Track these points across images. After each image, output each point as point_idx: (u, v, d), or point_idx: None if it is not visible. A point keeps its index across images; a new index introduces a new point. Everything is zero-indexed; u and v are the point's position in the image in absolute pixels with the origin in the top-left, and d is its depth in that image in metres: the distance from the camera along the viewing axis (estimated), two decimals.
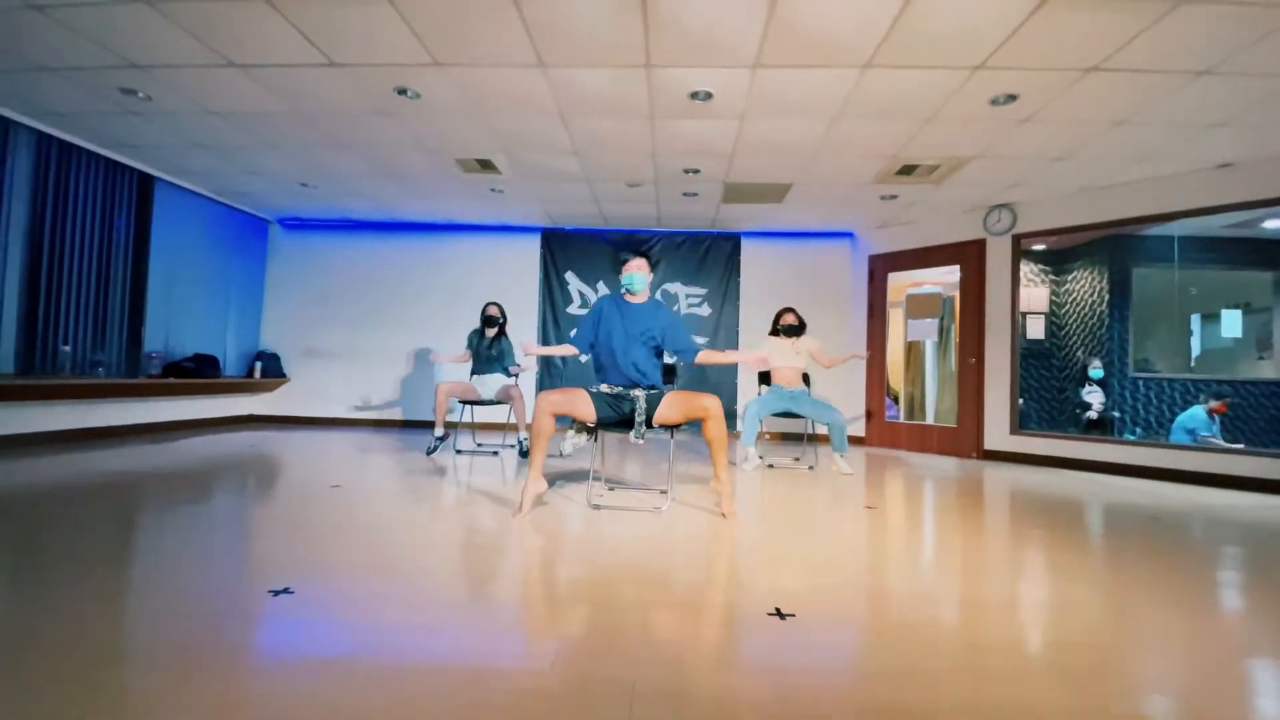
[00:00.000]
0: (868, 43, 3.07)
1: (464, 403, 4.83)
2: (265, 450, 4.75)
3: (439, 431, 4.60)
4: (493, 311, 4.93)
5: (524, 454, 4.60)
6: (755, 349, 4.68)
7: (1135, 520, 3.15)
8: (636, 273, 3.02)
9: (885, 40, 3.04)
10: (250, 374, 6.62)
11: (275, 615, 1.61)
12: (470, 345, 4.95)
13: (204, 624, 1.54)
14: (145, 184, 5.46)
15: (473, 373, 4.91)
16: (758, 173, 4.94)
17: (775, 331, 4.70)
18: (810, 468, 4.35)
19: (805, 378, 4.68)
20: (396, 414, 6.91)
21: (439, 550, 2.28)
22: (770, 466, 4.62)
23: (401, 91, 3.70)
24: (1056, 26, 2.89)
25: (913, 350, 7.12)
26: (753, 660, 1.46)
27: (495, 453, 4.96)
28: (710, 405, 2.82)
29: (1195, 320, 6.68)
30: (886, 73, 3.34)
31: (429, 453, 4.60)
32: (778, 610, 1.74)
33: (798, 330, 4.61)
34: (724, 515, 2.83)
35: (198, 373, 5.78)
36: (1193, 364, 6.61)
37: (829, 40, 3.05)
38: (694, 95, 3.63)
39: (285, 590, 1.77)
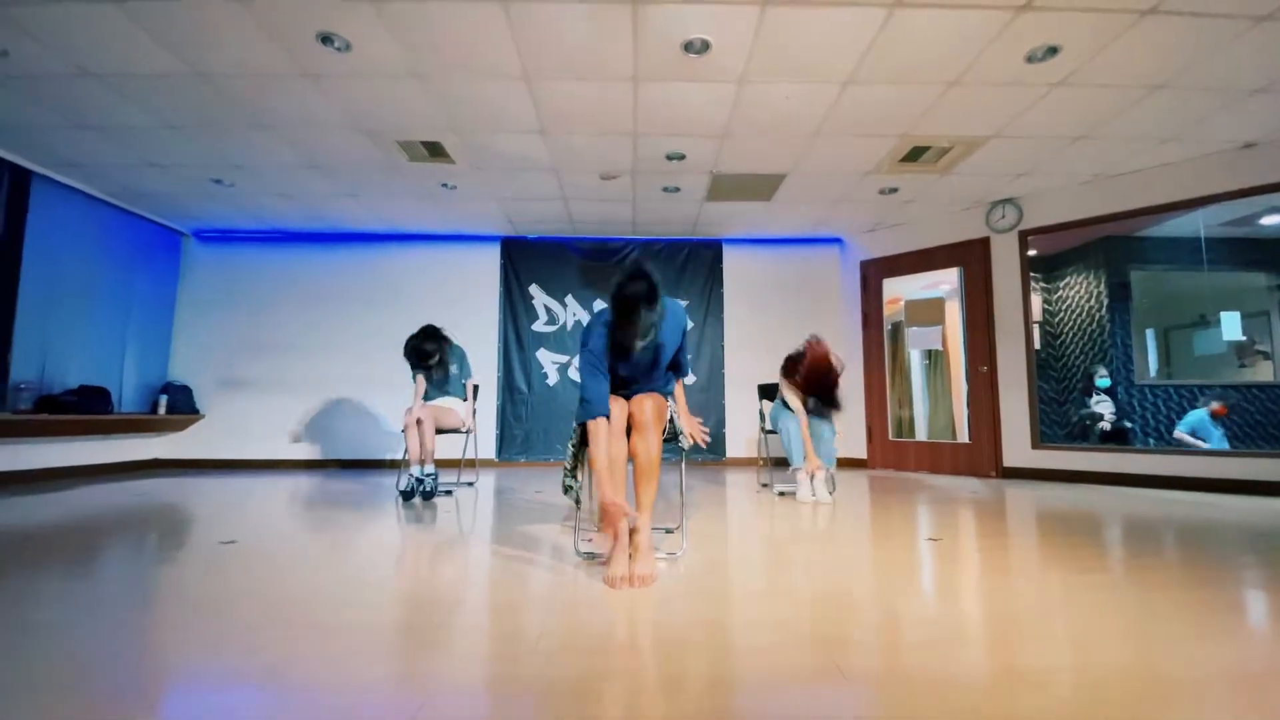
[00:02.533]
0: None
1: (440, 433, 3.94)
2: (156, 500, 3.78)
3: (423, 469, 3.73)
4: (427, 347, 3.99)
5: (428, 495, 3.71)
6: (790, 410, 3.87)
7: (1242, 541, 2.57)
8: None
9: None
10: (154, 410, 5.58)
11: None
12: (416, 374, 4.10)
13: None
14: (18, 180, 4.51)
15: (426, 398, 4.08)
16: (750, 160, 4.38)
17: (803, 388, 3.80)
18: (832, 493, 3.67)
19: None
20: (336, 452, 5.94)
21: (367, 639, 1.47)
22: (781, 495, 3.92)
23: (327, 40, 2.98)
24: None
25: (898, 365, 6.61)
26: None
27: (449, 492, 4.10)
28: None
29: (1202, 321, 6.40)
30: (919, 14, 2.81)
31: (406, 498, 3.69)
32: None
33: (833, 402, 3.77)
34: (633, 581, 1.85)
35: (80, 408, 4.75)
36: (1166, 370, 6.31)
37: None
38: (688, 46, 3.03)
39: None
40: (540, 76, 3.32)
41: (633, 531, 1.98)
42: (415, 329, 4.09)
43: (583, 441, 2.12)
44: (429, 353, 3.97)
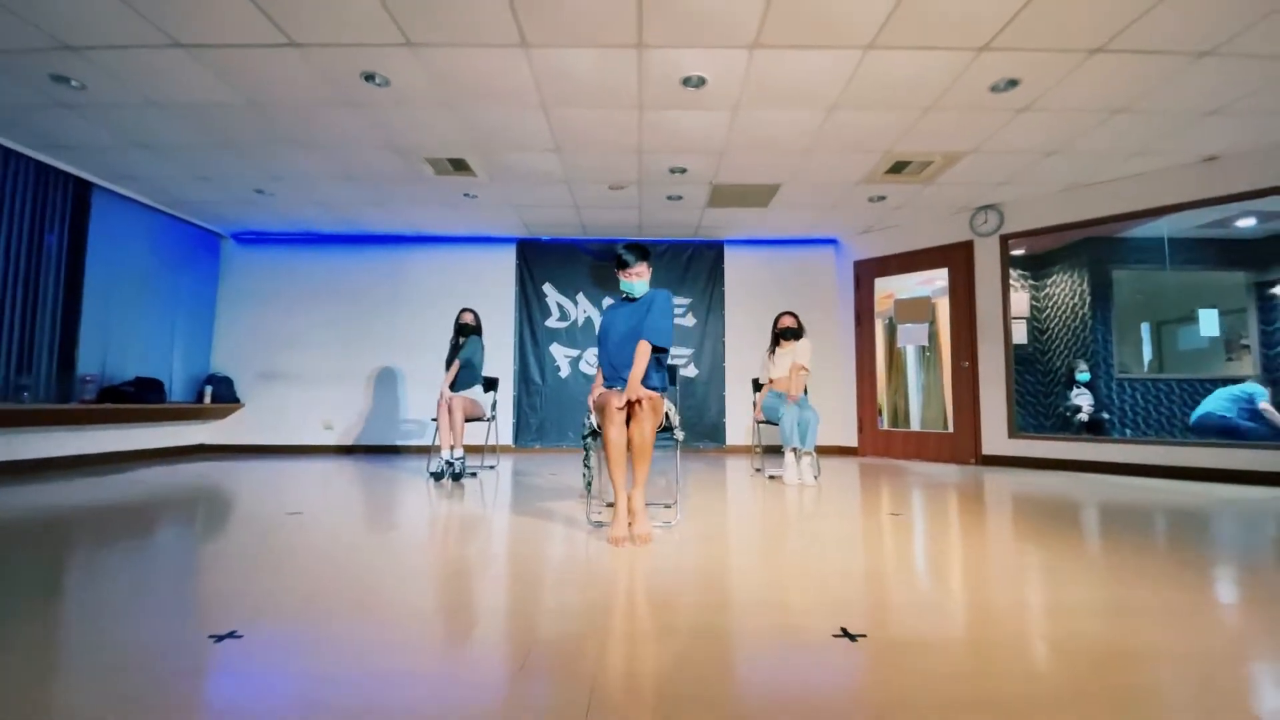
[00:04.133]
0: (873, 20, 2.91)
1: (470, 420, 4.42)
2: (216, 483, 4.26)
3: (453, 453, 4.16)
4: (468, 319, 4.61)
5: (456, 477, 4.16)
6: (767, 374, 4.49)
7: (1194, 523, 2.97)
8: (636, 281, 2.72)
9: (891, 18, 2.89)
10: (199, 399, 6.08)
11: (219, 666, 1.24)
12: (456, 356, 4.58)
13: (136, 678, 1.17)
14: (81, 191, 4.99)
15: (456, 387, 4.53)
16: (747, 172, 4.76)
17: (775, 340, 4.49)
18: (816, 477, 4.09)
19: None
20: (366, 438, 6.43)
21: (424, 584, 1.92)
22: (771, 478, 4.35)
23: (369, 78, 3.40)
24: (1064, 2, 2.78)
25: (894, 358, 7.00)
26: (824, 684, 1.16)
27: (474, 474, 4.56)
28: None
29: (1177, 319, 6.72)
30: (889, 55, 3.19)
31: (437, 479, 4.14)
32: (844, 630, 1.45)
33: (796, 334, 4.40)
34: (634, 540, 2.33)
35: (138, 398, 5.25)
36: (1146, 365, 6.64)
37: (833, 17, 2.88)
38: (687, 81, 3.42)
39: (231, 634, 1.40)
40: (556, 103, 3.73)
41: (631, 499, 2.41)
42: (436, 324, 4.59)
43: (593, 433, 2.55)
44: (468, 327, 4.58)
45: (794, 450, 4.10)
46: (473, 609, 1.66)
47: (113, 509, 3.03)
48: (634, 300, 2.76)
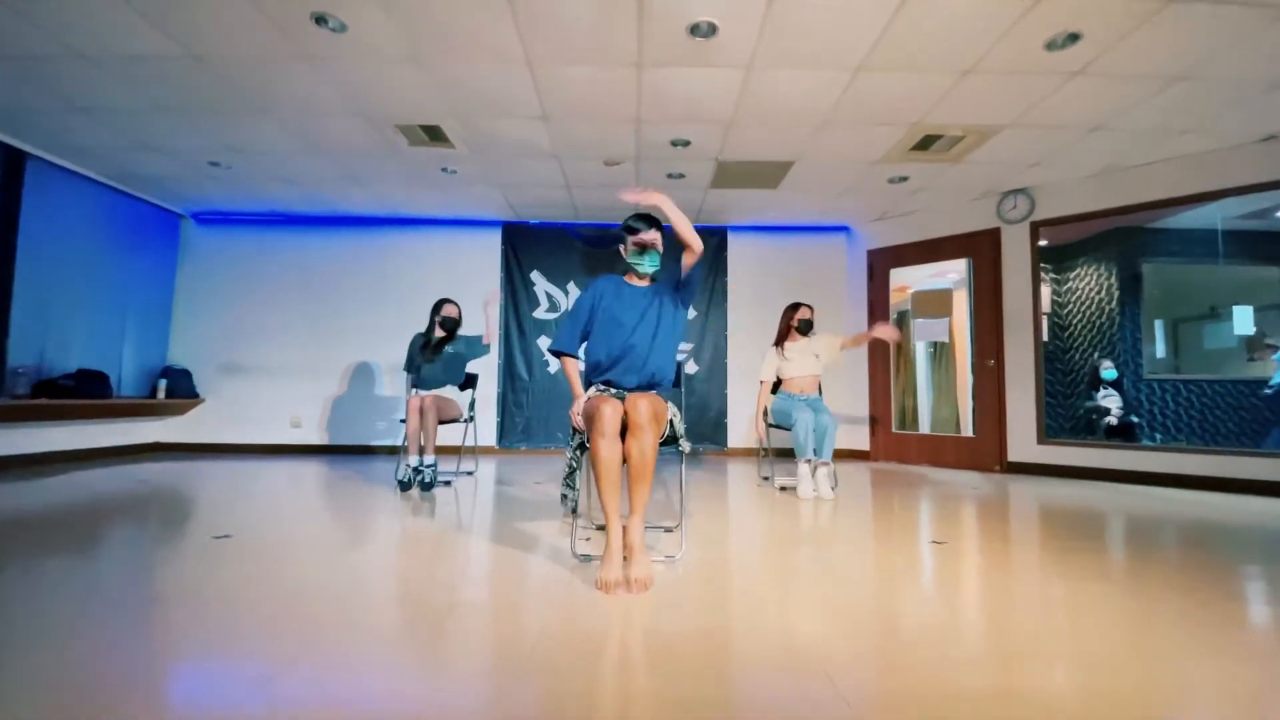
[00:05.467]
0: None
1: (446, 422, 3.94)
2: (152, 490, 3.76)
3: (422, 459, 3.68)
4: (452, 313, 4.13)
5: (427, 486, 3.65)
6: (767, 369, 4.01)
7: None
8: (650, 252, 2.27)
9: None
10: (153, 394, 5.56)
11: None
12: (414, 360, 4.09)
13: None
14: (14, 162, 4.44)
15: (419, 387, 4.05)
16: (757, 148, 4.28)
17: (785, 332, 4.01)
18: (834, 489, 3.63)
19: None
20: (337, 438, 5.93)
21: (341, 656, 1.44)
22: (783, 489, 3.89)
23: (321, 20, 2.88)
24: None
25: (903, 356, 6.55)
26: None
27: (448, 482, 4.08)
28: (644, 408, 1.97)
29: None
30: (932, 1, 2.71)
31: (404, 488, 3.64)
32: None
33: (813, 326, 3.96)
34: (629, 584, 1.80)
35: (79, 392, 4.72)
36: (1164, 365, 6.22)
37: None
38: (694, 30, 2.93)
39: None
40: (542, 60, 3.23)
41: (626, 532, 1.94)
42: (414, 314, 4.12)
43: (581, 447, 2.08)
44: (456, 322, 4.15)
45: (809, 461, 3.63)
46: (399, 709, 1.18)
47: (24, 521, 2.53)
48: (645, 281, 2.30)
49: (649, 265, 2.26)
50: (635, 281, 2.34)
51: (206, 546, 2.30)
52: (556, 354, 2.31)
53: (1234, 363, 6.07)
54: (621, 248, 2.33)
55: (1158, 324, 6.27)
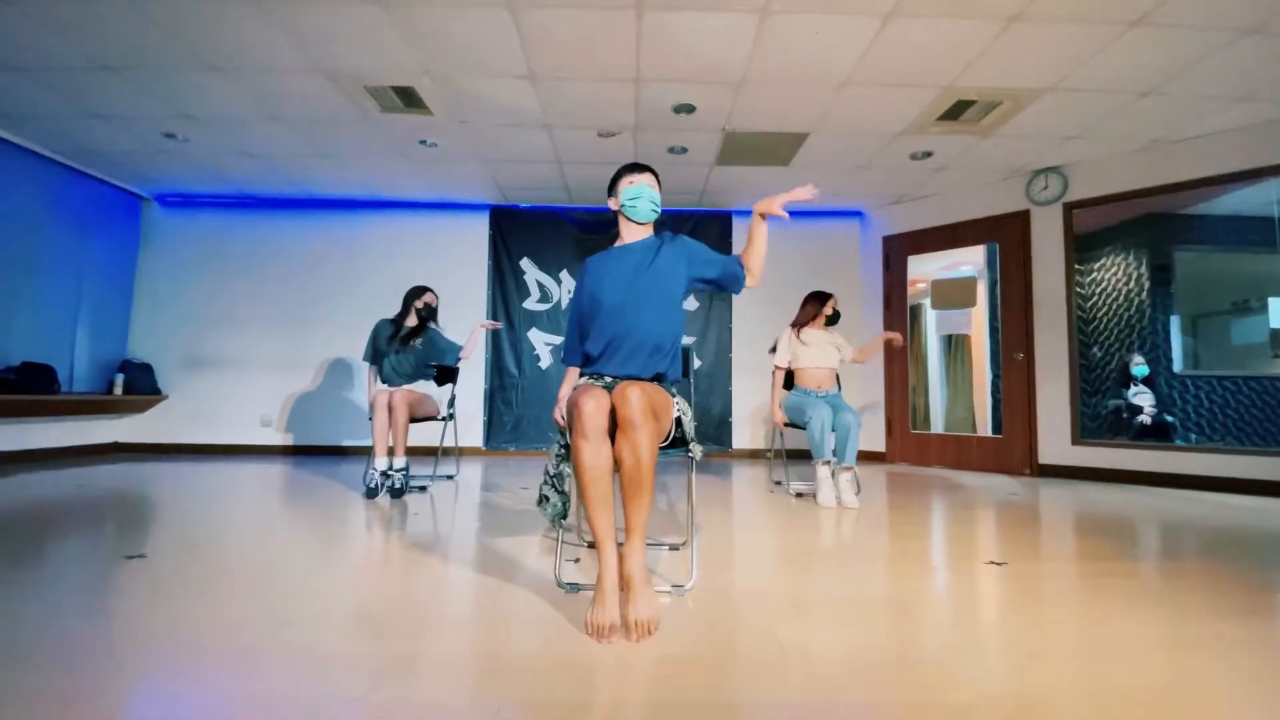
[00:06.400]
0: None
1: (419, 420, 3.52)
2: (81, 495, 3.32)
3: (391, 463, 3.27)
4: (432, 301, 3.71)
5: (397, 493, 3.24)
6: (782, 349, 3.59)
7: None
8: (647, 189, 1.84)
9: None
10: (109, 390, 5.11)
11: None
12: (380, 350, 3.63)
13: None
14: None
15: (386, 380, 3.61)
16: (769, 116, 3.86)
17: (810, 318, 3.59)
18: (858, 494, 3.21)
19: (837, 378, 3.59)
20: (310, 438, 5.49)
21: None
22: (799, 496, 3.47)
23: None
24: None
25: (915, 351, 6.15)
26: None
27: (423, 488, 3.65)
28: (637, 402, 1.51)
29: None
30: None
31: (371, 495, 3.20)
32: None
33: (838, 319, 3.57)
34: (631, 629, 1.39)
35: (21, 388, 4.28)
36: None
37: None
38: None
39: None
40: (526, 4, 2.80)
41: (622, 561, 1.51)
42: (394, 308, 3.74)
43: (567, 447, 1.66)
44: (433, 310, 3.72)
45: (827, 463, 3.22)
46: None
47: None
48: (639, 234, 1.88)
49: (645, 208, 1.83)
50: (628, 239, 1.90)
51: (109, 571, 1.87)
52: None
53: (1269, 358, 5.68)
54: (611, 201, 1.90)
55: (1190, 318, 5.87)
